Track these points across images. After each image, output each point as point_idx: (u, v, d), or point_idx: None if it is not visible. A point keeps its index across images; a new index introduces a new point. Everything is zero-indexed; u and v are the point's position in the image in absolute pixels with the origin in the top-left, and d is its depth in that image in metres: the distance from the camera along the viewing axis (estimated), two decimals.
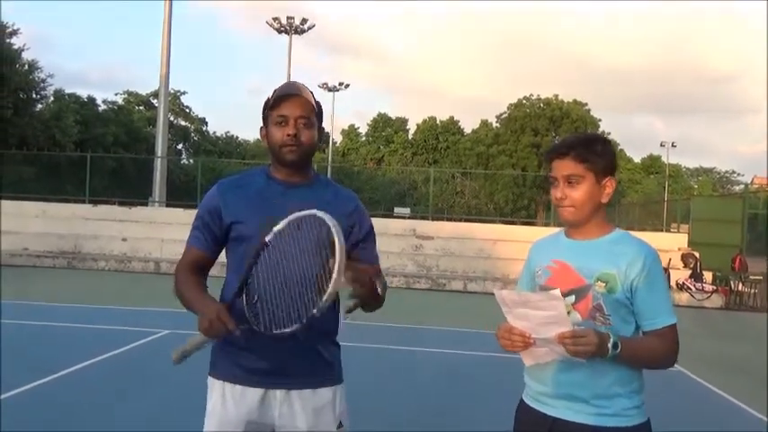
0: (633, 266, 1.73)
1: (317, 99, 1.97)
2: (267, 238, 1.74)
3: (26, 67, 30.47)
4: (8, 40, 29.38)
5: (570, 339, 1.61)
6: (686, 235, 17.84)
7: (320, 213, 1.70)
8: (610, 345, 1.64)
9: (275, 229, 1.74)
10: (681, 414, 5.07)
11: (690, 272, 14.42)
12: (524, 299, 1.69)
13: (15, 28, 30.21)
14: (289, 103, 1.89)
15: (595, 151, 1.79)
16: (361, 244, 2.00)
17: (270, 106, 1.92)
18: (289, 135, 1.88)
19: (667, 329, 1.75)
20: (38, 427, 4.03)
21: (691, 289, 13.84)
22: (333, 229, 1.64)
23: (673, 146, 53.23)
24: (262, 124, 1.99)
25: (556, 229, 2.01)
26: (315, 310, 1.65)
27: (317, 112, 1.95)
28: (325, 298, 1.63)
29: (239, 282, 1.78)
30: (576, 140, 1.82)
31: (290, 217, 1.74)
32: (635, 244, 1.79)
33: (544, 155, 1.86)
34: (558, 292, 1.65)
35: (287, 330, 1.69)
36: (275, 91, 1.92)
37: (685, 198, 29.59)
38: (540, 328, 1.66)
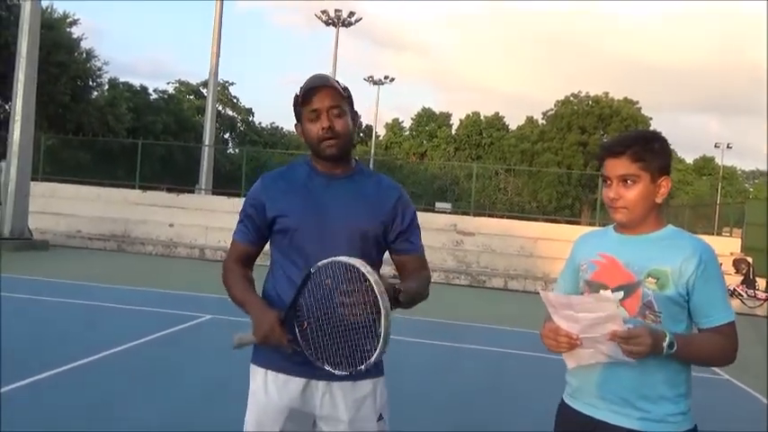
0: (689, 263, 1.67)
1: (344, 85, 1.94)
2: (312, 270, 1.73)
3: (84, 55, 31.57)
4: (68, 30, 30.51)
5: (624, 339, 1.56)
6: (739, 239, 17.20)
7: (362, 267, 1.64)
8: (665, 344, 1.59)
9: (319, 263, 1.71)
10: (728, 423, 4.90)
11: (742, 278, 13.92)
12: (572, 302, 1.64)
13: (76, 18, 31.39)
14: (317, 96, 1.87)
15: (652, 150, 1.72)
16: (404, 235, 1.99)
17: (300, 103, 1.91)
18: (324, 128, 1.86)
19: (725, 326, 1.69)
20: (80, 406, 4.18)
21: (742, 295, 13.35)
22: (375, 288, 1.61)
23: (728, 147, 51.31)
24: (296, 121, 1.98)
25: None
26: (363, 367, 1.68)
27: (347, 97, 1.92)
28: (375, 356, 1.65)
29: (289, 299, 1.79)
30: (632, 139, 1.75)
31: (334, 259, 1.70)
32: (690, 240, 1.73)
33: (597, 152, 1.81)
34: (609, 293, 1.60)
35: (338, 373, 1.73)
36: (302, 87, 1.90)
37: (740, 201, 28.45)
38: (589, 329, 1.62)
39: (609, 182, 1.75)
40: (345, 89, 1.92)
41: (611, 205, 1.75)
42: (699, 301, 1.69)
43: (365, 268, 1.64)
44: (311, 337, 1.76)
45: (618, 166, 1.72)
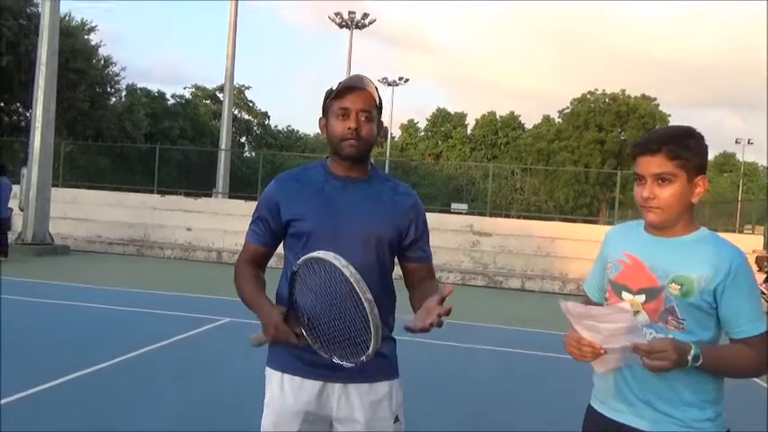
0: (718, 271, 1.60)
1: (380, 92, 1.94)
2: (294, 268, 1.67)
3: (102, 62, 31.99)
4: (86, 37, 30.94)
5: (646, 353, 1.52)
6: (761, 237, 16.90)
7: (335, 261, 1.58)
8: (690, 357, 1.54)
9: (299, 261, 1.66)
10: (753, 427, 4.81)
11: (765, 276, 13.67)
12: (591, 312, 1.60)
13: (93, 25, 31.82)
14: (352, 95, 1.86)
15: (689, 147, 1.64)
16: (417, 243, 1.99)
17: (332, 97, 1.90)
18: (350, 128, 1.85)
19: (756, 338, 1.62)
20: (98, 411, 4.22)
21: (764, 294, 13.12)
22: (367, 310, 1.54)
23: (749, 143, 50.60)
24: (321, 115, 1.96)
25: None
26: (364, 358, 1.62)
27: (378, 105, 1.92)
28: (371, 348, 1.59)
29: (288, 298, 1.76)
30: (668, 135, 1.66)
31: (312, 254, 1.64)
32: (721, 246, 1.65)
33: (630, 149, 1.75)
34: (626, 305, 1.56)
35: (345, 365, 1.67)
36: (340, 82, 1.89)
37: (762, 198, 27.97)
38: (611, 339, 1.59)
39: (642, 180, 1.67)
40: (379, 97, 1.92)
41: (643, 205, 1.67)
42: (727, 310, 1.62)
43: (339, 262, 1.57)
44: (312, 332, 1.72)
45: (653, 164, 1.64)
